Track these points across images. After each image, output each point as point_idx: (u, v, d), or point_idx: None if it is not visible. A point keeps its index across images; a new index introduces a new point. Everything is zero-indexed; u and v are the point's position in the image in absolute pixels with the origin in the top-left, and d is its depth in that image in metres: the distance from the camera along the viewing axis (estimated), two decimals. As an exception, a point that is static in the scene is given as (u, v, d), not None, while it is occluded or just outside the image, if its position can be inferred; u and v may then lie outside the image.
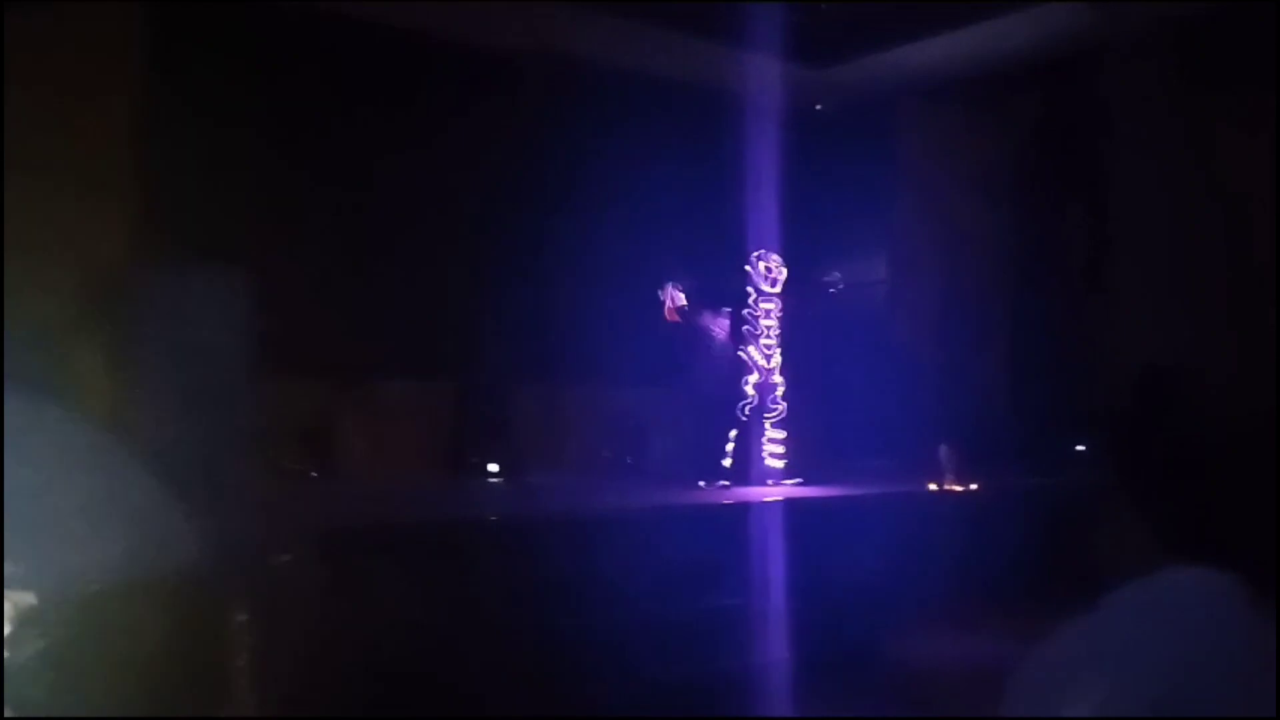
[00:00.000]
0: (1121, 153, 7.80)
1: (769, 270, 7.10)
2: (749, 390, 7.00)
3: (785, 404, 7.06)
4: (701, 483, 6.85)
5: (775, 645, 4.92)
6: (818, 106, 8.86)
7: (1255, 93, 6.85)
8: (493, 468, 7.19)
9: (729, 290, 7.13)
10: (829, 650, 4.65)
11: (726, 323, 7.12)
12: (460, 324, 7.30)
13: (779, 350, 7.11)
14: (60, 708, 1.47)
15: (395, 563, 4.53)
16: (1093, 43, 7.61)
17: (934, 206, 8.83)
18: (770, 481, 6.95)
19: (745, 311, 7.06)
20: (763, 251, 7.10)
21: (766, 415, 7.04)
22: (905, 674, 4.81)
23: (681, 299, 7.05)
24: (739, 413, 6.97)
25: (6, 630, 1.46)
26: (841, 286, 7.40)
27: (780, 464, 7.03)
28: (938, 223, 8.76)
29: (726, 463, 6.91)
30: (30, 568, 1.49)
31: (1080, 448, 6.97)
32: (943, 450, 6.96)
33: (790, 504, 6.05)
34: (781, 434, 7.08)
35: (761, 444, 7.05)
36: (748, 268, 7.09)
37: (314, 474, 6.76)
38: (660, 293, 7.06)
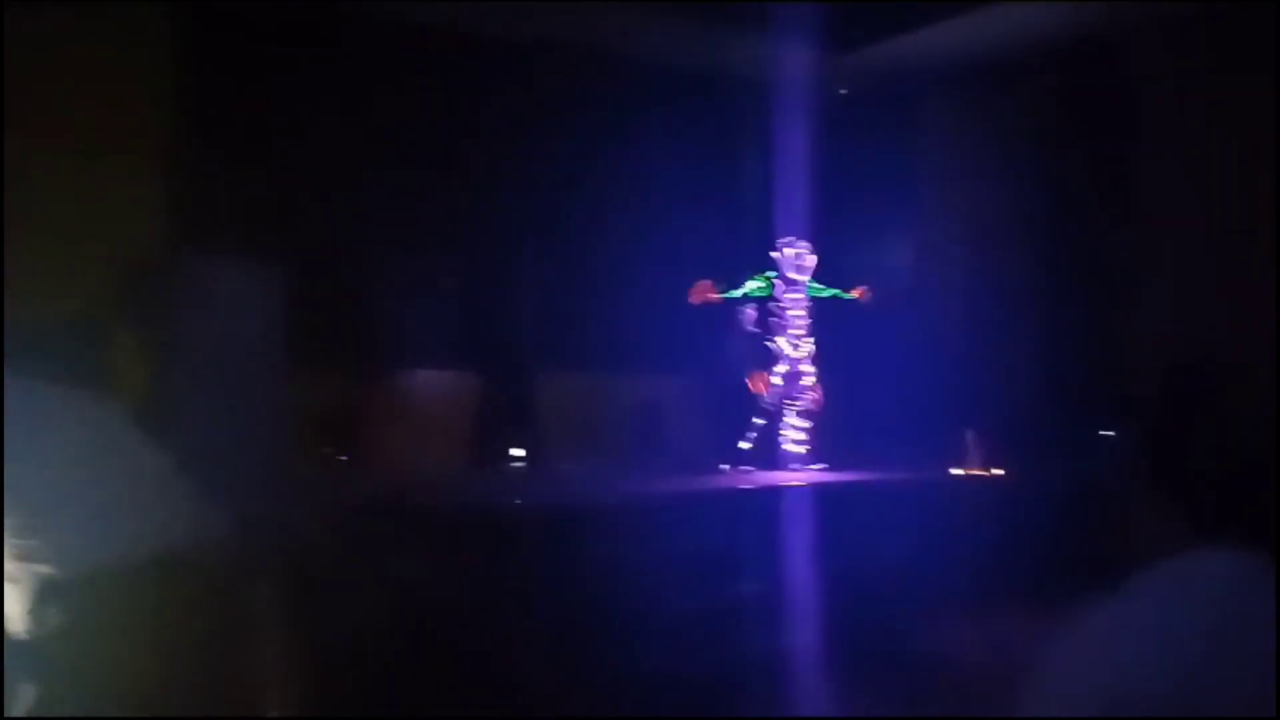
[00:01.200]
0: (1153, 137, 7.71)
1: (797, 258, 7.06)
2: (777, 380, 6.98)
3: (812, 394, 7.04)
4: (725, 467, 6.87)
5: (798, 631, 4.93)
6: (841, 91, 8.81)
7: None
8: (518, 453, 7.23)
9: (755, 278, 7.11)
10: (853, 636, 4.65)
11: (753, 312, 7.10)
12: (487, 311, 7.34)
13: (807, 341, 7.07)
14: (73, 682, 1.49)
15: (421, 547, 4.57)
16: (1120, 24, 7.51)
17: (960, 191, 8.77)
18: (794, 467, 6.95)
19: (771, 303, 7.04)
20: (790, 239, 7.07)
21: (789, 402, 7.03)
22: (929, 660, 4.80)
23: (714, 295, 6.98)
24: (765, 401, 6.97)
25: (27, 604, 1.49)
26: (870, 297, 7.30)
27: (803, 450, 7.03)
28: (964, 207, 8.71)
29: (747, 446, 6.92)
30: (51, 544, 1.52)
31: (1108, 434, 6.92)
32: (969, 436, 6.94)
33: (815, 489, 6.05)
34: (806, 423, 7.06)
35: (786, 431, 7.04)
36: (774, 255, 7.07)
37: (342, 459, 6.82)
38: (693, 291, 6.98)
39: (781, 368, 6.99)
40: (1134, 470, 1.37)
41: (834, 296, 7.19)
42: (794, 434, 7.04)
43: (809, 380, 7.03)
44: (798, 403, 7.03)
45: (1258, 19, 6.70)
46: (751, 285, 7.00)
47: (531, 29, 7.34)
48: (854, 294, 7.25)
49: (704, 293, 6.93)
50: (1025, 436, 7.27)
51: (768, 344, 7.02)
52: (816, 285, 7.13)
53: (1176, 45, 7.42)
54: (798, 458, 7.00)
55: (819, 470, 6.92)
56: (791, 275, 7.05)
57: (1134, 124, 7.82)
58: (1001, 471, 6.82)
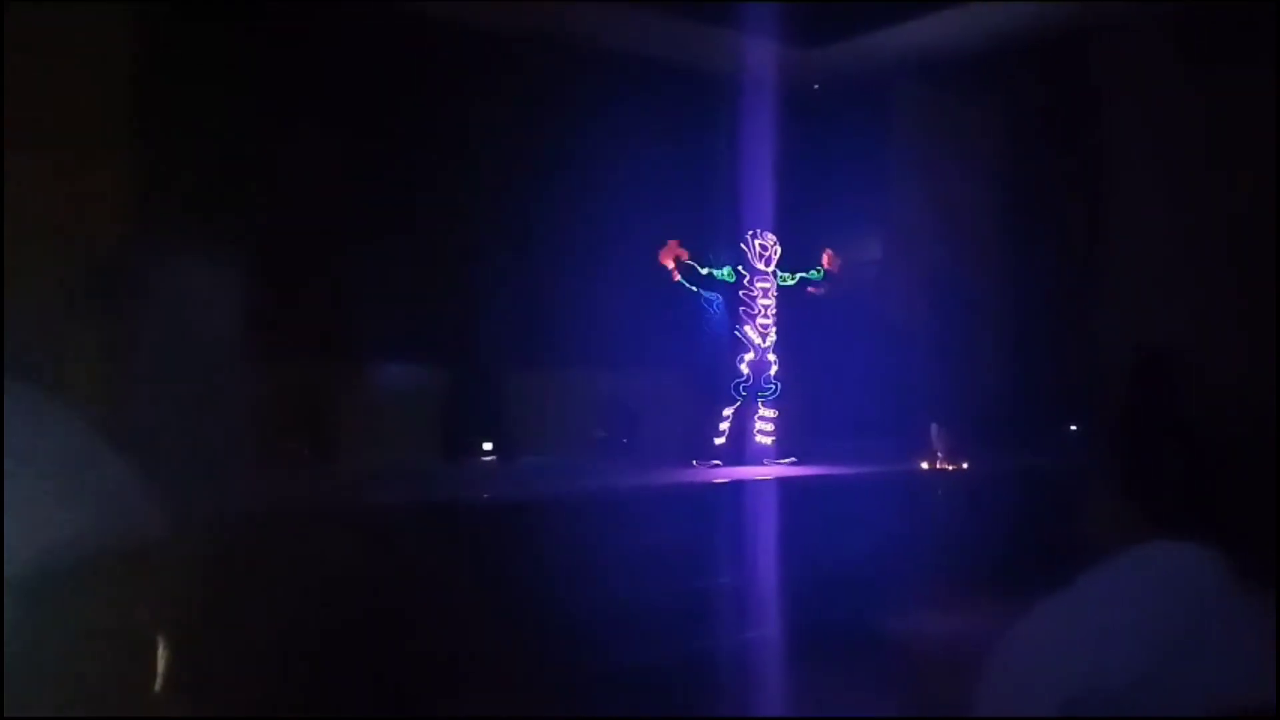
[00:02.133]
0: (1120, 131, 7.78)
1: (764, 249, 7.09)
2: (744, 369, 7.01)
3: (779, 384, 7.08)
4: (695, 462, 6.88)
5: (765, 625, 4.95)
6: (815, 86, 8.83)
7: (1256, 70, 6.82)
8: (487, 448, 7.20)
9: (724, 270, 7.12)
10: (821, 629, 4.67)
11: (719, 301, 7.13)
12: (455, 305, 7.29)
13: (774, 330, 7.11)
14: (21, 685, 1.46)
15: (388, 543, 4.54)
16: (1091, 20, 7.58)
17: (930, 186, 8.82)
18: (765, 461, 6.98)
19: (741, 292, 7.06)
20: (757, 230, 7.09)
21: (761, 394, 7.06)
22: (897, 652, 4.83)
23: (683, 255, 6.93)
24: (734, 391, 6.98)
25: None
26: (823, 291, 7.32)
27: (770, 440, 7.06)
28: (933, 202, 8.75)
29: (720, 441, 6.93)
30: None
31: (1074, 428, 6.99)
32: (935, 429, 6.98)
33: (784, 483, 6.07)
34: (774, 412, 7.09)
35: (755, 423, 7.07)
36: (742, 247, 7.09)
37: (307, 454, 6.76)
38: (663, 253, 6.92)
39: (749, 356, 7.02)
40: (1098, 464, 1.38)
41: (801, 280, 7.22)
42: (762, 424, 7.07)
43: (775, 369, 7.07)
44: (765, 391, 7.07)
45: (1227, 18, 6.78)
46: (719, 271, 7.02)
47: (498, 20, 7.29)
48: (821, 266, 7.25)
49: (673, 251, 6.90)
50: (991, 430, 7.33)
51: (735, 333, 7.05)
52: (785, 275, 7.16)
53: (1143, 43, 7.49)
54: (767, 450, 7.03)
55: (788, 464, 6.95)
56: (759, 266, 7.07)
57: (1103, 121, 7.90)
58: (966, 465, 6.88)
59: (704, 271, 6.98)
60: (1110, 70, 7.74)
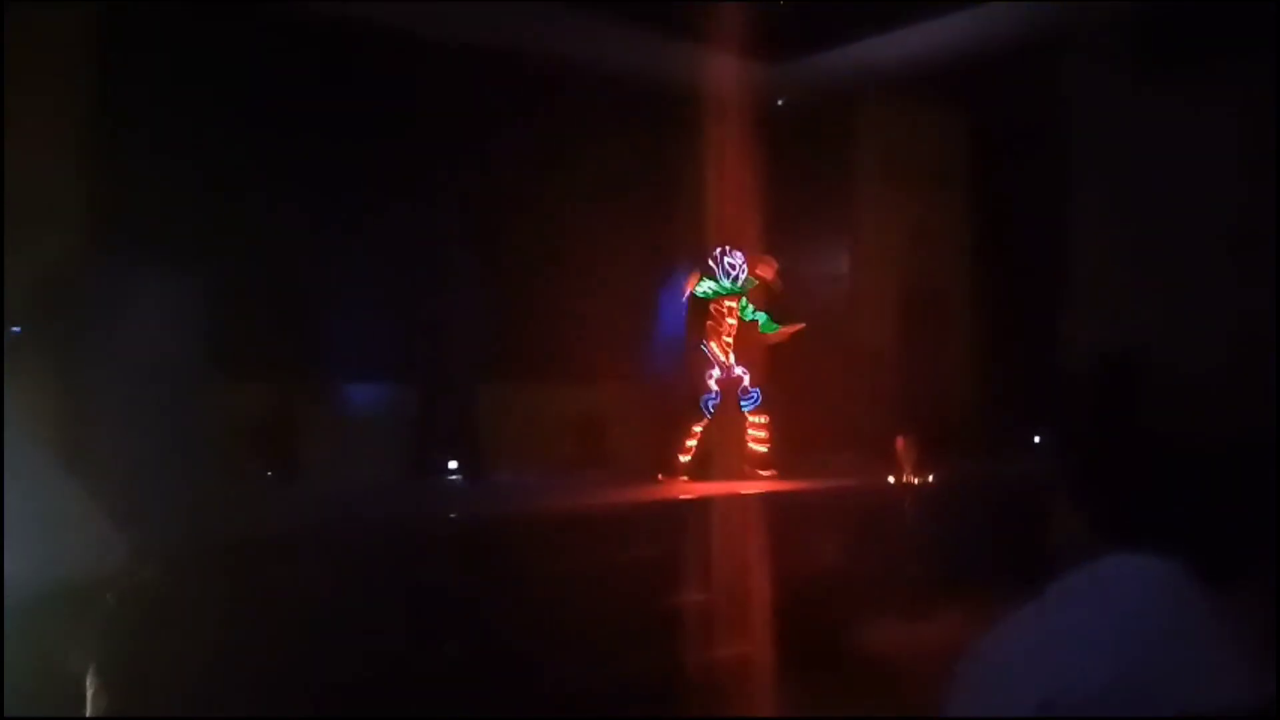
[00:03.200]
0: (1083, 142, 7.88)
1: (732, 267, 7.10)
2: (712, 385, 7.01)
3: (758, 391, 7.08)
4: (660, 477, 6.87)
5: (735, 639, 4.92)
6: (779, 101, 8.88)
7: (1213, 81, 6.93)
8: (454, 466, 7.15)
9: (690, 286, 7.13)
10: (788, 642, 4.66)
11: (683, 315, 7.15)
12: (422, 322, 7.24)
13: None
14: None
15: (354, 562, 4.50)
16: (1052, 33, 7.68)
17: (896, 199, 8.89)
18: (735, 476, 6.97)
19: (711, 307, 7.06)
20: (725, 248, 7.10)
21: (742, 404, 7.06)
22: (873, 665, 4.83)
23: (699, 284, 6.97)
24: (704, 408, 6.98)
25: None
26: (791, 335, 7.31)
27: (764, 447, 7.04)
28: (900, 215, 8.82)
29: (685, 458, 6.92)
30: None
31: (1038, 438, 7.04)
32: (902, 443, 7.01)
33: (753, 498, 6.08)
34: (764, 419, 7.08)
35: (725, 439, 7.07)
36: (710, 264, 7.10)
37: (273, 475, 6.69)
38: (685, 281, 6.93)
39: (715, 372, 7.02)
40: (1064, 474, 1.38)
41: (758, 323, 7.19)
42: (754, 432, 7.06)
43: (745, 383, 7.07)
44: (746, 401, 7.07)
45: (1195, 26, 6.89)
46: (706, 286, 7.07)
47: (466, 35, 7.28)
48: (783, 329, 7.20)
49: (694, 280, 6.95)
50: (957, 443, 7.37)
51: (701, 348, 7.05)
52: (749, 306, 7.16)
53: (1105, 56, 7.59)
54: (760, 458, 7.02)
55: (768, 479, 6.95)
56: (726, 284, 7.08)
57: (1066, 133, 7.99)
58: (934, 478, 6.91)
59: (701, 292, 7.04)
60: (1073, 81, 7.84)
